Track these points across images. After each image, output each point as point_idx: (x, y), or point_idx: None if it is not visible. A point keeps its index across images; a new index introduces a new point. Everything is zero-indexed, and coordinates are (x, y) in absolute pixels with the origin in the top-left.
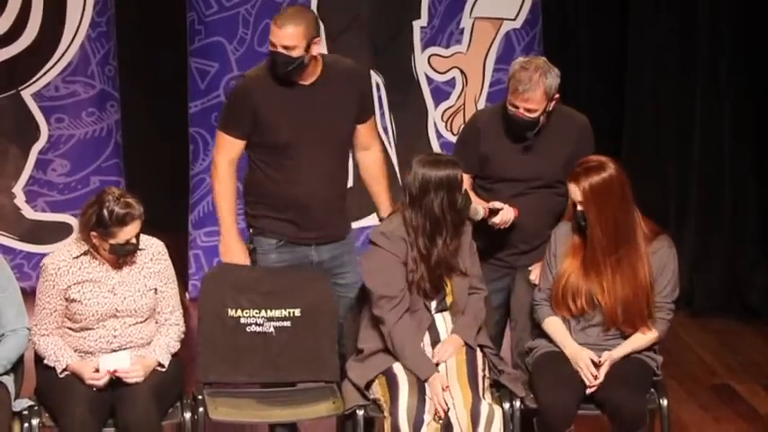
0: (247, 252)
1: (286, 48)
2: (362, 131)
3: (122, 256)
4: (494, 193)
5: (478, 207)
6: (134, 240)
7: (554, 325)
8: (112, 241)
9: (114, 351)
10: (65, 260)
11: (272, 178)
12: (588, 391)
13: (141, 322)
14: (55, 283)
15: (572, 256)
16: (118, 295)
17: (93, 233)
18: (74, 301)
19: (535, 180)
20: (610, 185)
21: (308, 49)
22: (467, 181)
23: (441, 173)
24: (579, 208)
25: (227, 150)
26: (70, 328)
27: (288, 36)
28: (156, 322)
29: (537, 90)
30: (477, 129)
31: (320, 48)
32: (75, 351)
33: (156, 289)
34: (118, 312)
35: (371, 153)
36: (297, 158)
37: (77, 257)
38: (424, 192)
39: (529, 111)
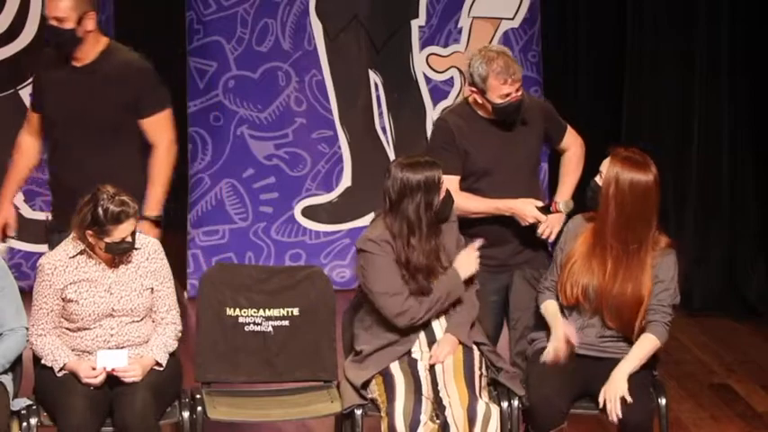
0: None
1: (57, 20)
2: (146, 128)
3: (118, 255)
4: (483, 192)
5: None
6: (129, 239)
7: (549, 307)
8: (108, 240)
9: (110, 348)
10: (61, 260)
11: (48, 157)
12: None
13: (138, 321)
14: (51, 282)
15: (581, 242)
16: (114, 295)
17: (89, 232)
18: (70, 300)
19: (522, 164)
20: (637, 188)
21: (79, 22)
22: (455, 184)
23: (418, 176)
24: (597, 178)
25: (27, 122)
26: (67, 329)
27: (58, 8)
28: (153, 321)
29: (519, 68)
30: (449, 129)
31: (93, 23)
32: (72, 351)
33: (152, 288)
34: (114, 312)
35: (156, 150)
36: (63, 139)
37: (73, 257)
38: (403, 196)
39: (518, 90)
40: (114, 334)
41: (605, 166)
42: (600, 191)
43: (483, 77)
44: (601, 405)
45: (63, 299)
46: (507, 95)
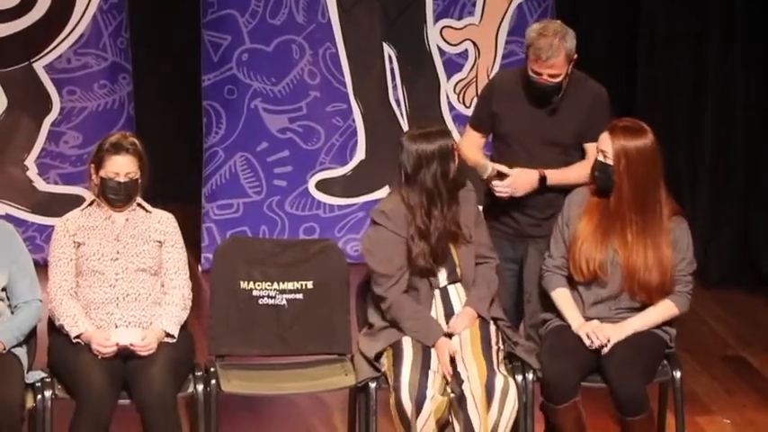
0: None
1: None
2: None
3: (109, 198)
4: (508, 157)
5: (488, 164)
6: (121, 179)
7: (562, 297)
8: (102, 173)
9: (117, 298)
10: (74, 213)
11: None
12: (602, 348)
13: (143, 271)
14: (66, 229)
15: (588, 217)
16: (121, 241)
17: (92, 165)
18: (80, 245)
19: (549, 144)
20: (644, 153)
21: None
22: (476, 141)
23: (433, 146)
24: (601, 158)
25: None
26: (77, 284)
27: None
28: (163, 285)
29: (559, 55)
30: (493, 87)
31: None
32: (83, 308)
33: (160, 242)
34: (119, 255)
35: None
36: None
37: (85, 209)
38: (419, 167)
39: (552, 76)
40: (120, 279)
41: (606, 143)
42: (611, 169)
43: (528, 45)
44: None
45: (74, 244)
46: (538, 74)
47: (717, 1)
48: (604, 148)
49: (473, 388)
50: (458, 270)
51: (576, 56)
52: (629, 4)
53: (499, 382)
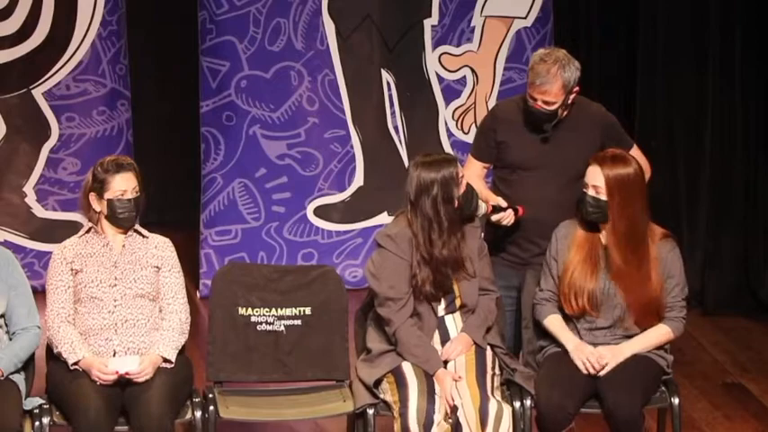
0: None
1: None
2: None
3: (121, 218)
4: (514, 186)
5: (481, 202)
6: (130, 195)
7: (554, 323)
8: (108, 196)
9: (115, 324)
10: (71, 240)
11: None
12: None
13: (141, 296)
14: (63, 257)
15: (576, 248)
16: (119, 268)
17: (92, 195)
18: (77, 272)
19: (556, 171)
20: (633, 182)
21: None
22: (479, 171)
23: (436, 174)
24: (592, 193)
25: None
26: (75, 309)
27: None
28: (161, 310)
29: (555, 83)
30: (495, 117)
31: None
32: (80, 334)
33: (158, 267)
34: (117, 281)
35: None
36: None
37: (82, 236)
38: (421, 194)
39: (546, 103)
40: (118, 305)
41: (596, 177)
42: (605, 203)
43: (529, 68)
44: (587, 362)
45: (72, 271)
46: (533, 99)
47: (718, 11)
48: (597, 183)
49: (467, 414)
50: (456, 301)
51: (577, 88)
52: (627, 29)
53: (493, 407)
